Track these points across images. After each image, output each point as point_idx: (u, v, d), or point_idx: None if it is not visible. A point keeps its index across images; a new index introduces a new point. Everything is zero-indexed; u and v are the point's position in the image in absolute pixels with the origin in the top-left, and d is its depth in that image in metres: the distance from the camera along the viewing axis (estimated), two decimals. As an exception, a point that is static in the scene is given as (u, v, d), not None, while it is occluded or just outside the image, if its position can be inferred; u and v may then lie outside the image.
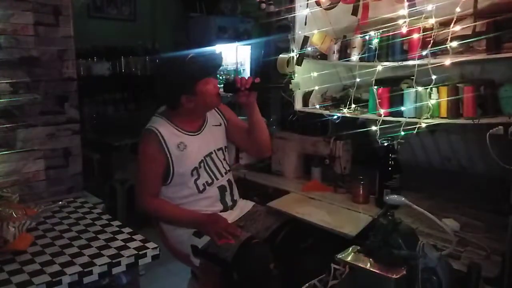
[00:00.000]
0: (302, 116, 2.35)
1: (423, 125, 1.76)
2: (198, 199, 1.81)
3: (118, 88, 4.09)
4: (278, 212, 1.93)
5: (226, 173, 1.89)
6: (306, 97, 2.30)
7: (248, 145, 1.98)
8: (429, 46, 1.69)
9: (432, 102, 1.76)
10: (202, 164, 1.81)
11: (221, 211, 1.84)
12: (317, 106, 2.25)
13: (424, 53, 1.73)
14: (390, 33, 1.86)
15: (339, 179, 2.19)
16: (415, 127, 1.78)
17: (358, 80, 2.03)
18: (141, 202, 1.78)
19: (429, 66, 1.69)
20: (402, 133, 1.82)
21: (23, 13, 2.01)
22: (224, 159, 1.91)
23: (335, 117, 2.14)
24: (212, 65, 1.85)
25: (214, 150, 1.87)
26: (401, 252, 1.15)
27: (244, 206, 1.97)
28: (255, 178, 2.41)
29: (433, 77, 1.69)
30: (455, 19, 1.64)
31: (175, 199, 1.81)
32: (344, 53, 2.09)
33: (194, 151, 1.80)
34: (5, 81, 1.98)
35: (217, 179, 1.85)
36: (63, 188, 2.23)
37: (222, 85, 1.83)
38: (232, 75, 5.08)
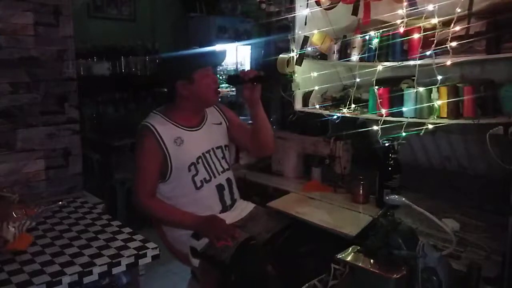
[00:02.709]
0: (302, 116, 2.35)
1: (430, 126, 1.75)
2: (196, 198, 1.79)
3: (118, 88, 4.08)
4: (279, 214, 1.93)
5: (223, 171, 1.87)
6: (306, 97, 2.30)
7: (251, 145, 1.96)
8: (432, 46, 1.69)
9: (432, 102, 1.76)
10: (200, 160, 1.81)
11: (220, 211, 1.83)
12: (317, 106, 2.25)
13: (426, 53, 1.73)
14: (390, 33, 1.86)
15: (339, 179, 2.19)
16: (416, 128, 1.78)
17: (358, 80, 2.03)
18: (138, 200, 1.76)
19: (431, 66, 1.69)
20: (403, 133, 1.82)
21: (23, 13, 2.01)
22: (223, 157, 1.90)
23: (335, 117, 2.14)
24: (213, 56, 1.86)
25: (213, 148, 1.87)
26: (401, 252, 1.15)
27: (245, 207, 1.95)
28: (255, 178, 2.41)
29: (438, 77, 1.69)
30: (454, 19, 1.64)
31: (173, 197, 1.80)
32: (344, 53, 2.08)
33: (191, 147, 1.80)
34: (5, 81, 1.98)
35: (215, 176, 1.84)
36: (63, 188, 2.23)
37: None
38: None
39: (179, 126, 1.81)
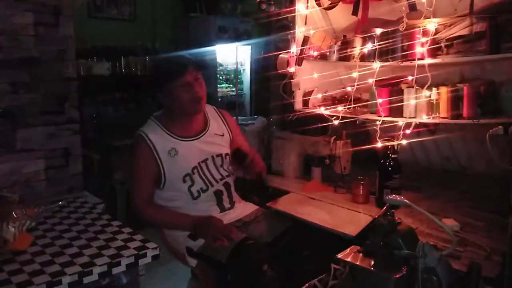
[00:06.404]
0: (302, 116, 2.35)
1: (430, 126, 1.76)
2: (195, 207, 1.79)
3: (118, 88, 4.08)
4: (281, 216, 1.92)
5: (222, 179, 1.85)
6: (306, 97, 2.30)
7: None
8: (429, 45, 1.70)
9: (432, 102, 1.76)
10: (195, 171, 1.79)
11: (219, 213, 1.83)
12: (317, 106, 2.25)
13: (425, 53, 1.73)
14: (390, 33, 1.86)
15: (339, 179, 2.19)
16: (416, 128, 1.78)
17: (358, 80, 2.03)
18: (135, 206, 1.78)
19: (431, 66, 1.69)
20: (403, 133, 1.82)
21: (23, 13, 2.01)
22: (222, 165, 1.86)
23: (335, 117, 2.14)
24: (176, 68, 1.73)
25: (212, 156, 1.84)
26: (401, 252, 1.15)
27: (245, 208, 1.94)
28: (255, 178, 2.41)
29: (438, 77, 1.69)
30: (454, 20, 1.64)
31: (171, 205, 1.80)
32: (344, 53, 2.09)
33: (186, 158, 1.78)
34: (5, 81, 1.98)
35: (212, 185, 1.82)
36: (63, 188, 2.22)
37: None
38: (233, 75, 5.09)
39: (174, 136, 1.78)
